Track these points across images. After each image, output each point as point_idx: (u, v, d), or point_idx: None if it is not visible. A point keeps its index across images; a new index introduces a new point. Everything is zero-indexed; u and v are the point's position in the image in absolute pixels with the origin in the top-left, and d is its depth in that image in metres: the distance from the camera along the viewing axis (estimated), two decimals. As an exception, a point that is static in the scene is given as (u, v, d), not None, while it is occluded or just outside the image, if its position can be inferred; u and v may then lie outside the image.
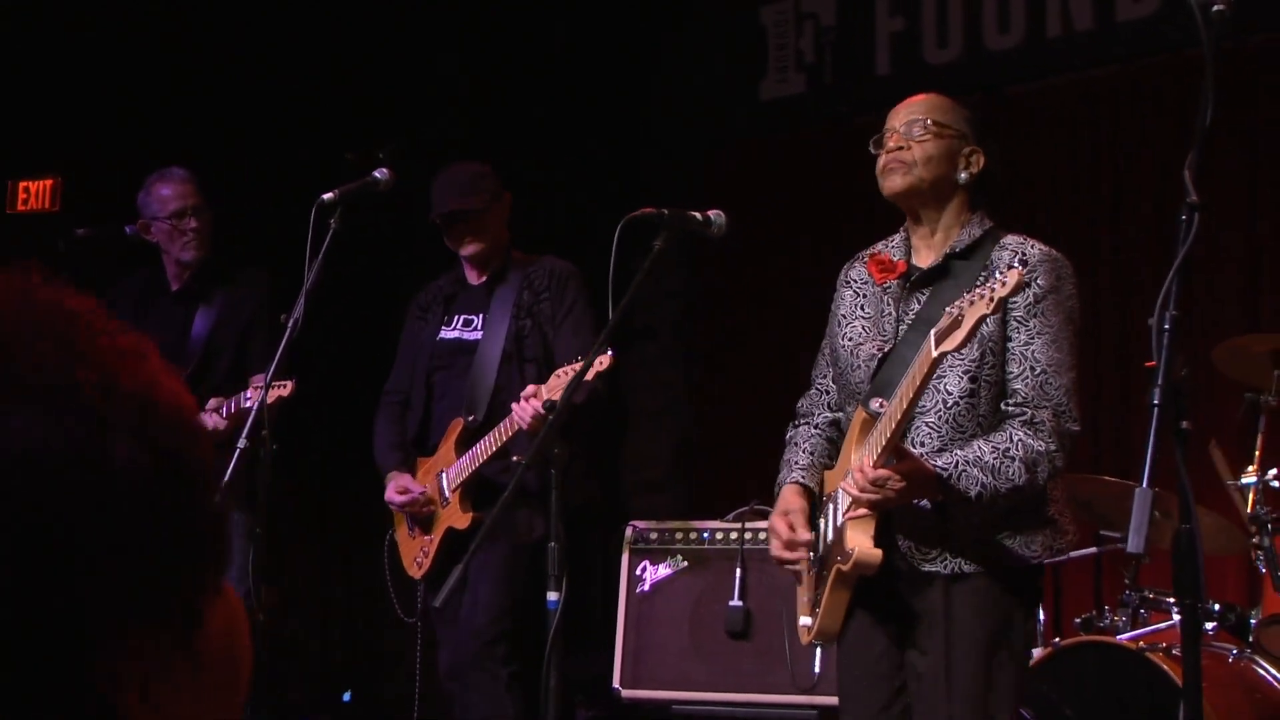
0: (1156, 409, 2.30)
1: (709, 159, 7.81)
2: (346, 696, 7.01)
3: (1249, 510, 4.52)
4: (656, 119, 7.91)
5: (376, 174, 4.14)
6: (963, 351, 2.87)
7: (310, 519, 6.63)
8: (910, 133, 3.11)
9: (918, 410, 2.93)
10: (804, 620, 3.17)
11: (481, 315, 4.61)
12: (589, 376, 3.95)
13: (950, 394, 2.95)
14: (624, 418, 7.81)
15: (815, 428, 3.27)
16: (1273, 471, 4.50)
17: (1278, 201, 6.20)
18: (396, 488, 4.56)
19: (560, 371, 4.10)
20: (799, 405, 3.36)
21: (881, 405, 2.96)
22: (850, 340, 3.18)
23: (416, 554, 4.56)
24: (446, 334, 4.66)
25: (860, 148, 3.26)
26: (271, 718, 4.73)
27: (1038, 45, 6.68)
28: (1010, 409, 2.97)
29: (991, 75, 6.85)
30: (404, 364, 4.78)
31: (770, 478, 7.15)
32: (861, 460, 2.89)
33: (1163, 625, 4.63)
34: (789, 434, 3.34)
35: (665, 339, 7.81)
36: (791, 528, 3.11)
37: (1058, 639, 4.56)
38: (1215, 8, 2.52)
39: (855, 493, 2.89)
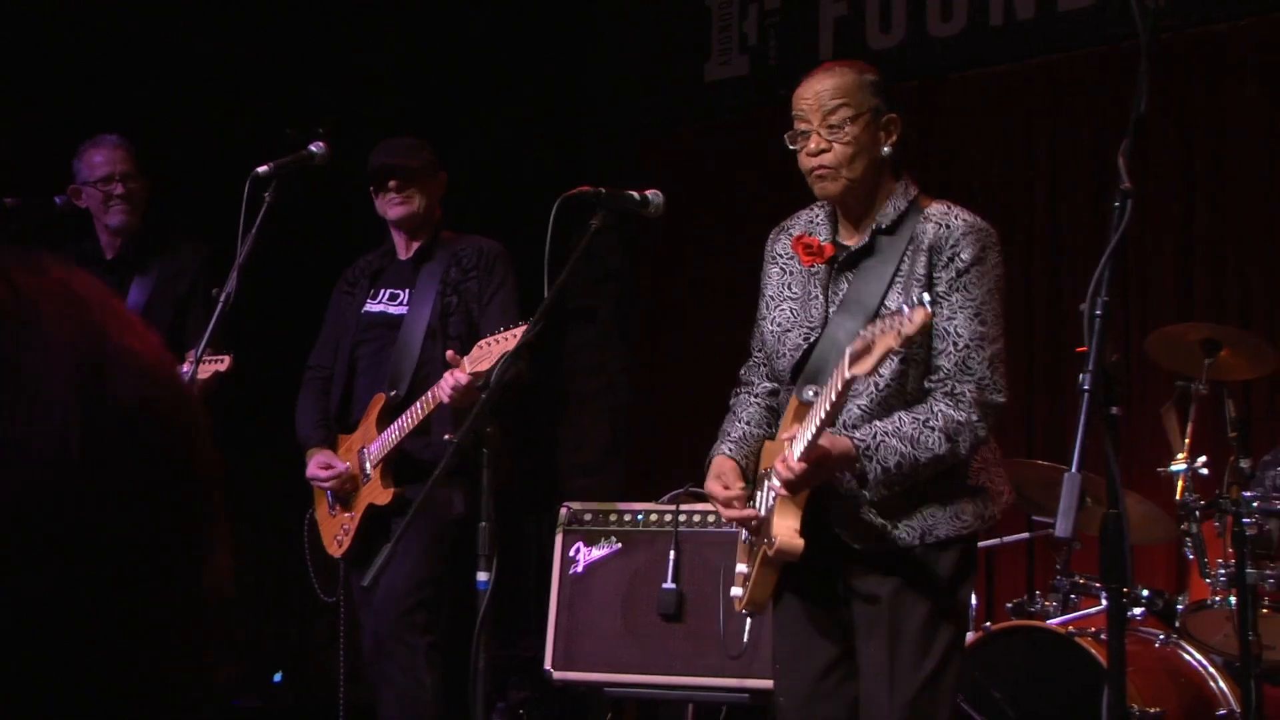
0: (1087, 394, 2.32)
1: (651, 140, 7.80)
2: (277, 677, 6.97)
3: (1178, 497, 4.58)
4: (598, 99, 7.89)
5: (312, 148, 4.11)
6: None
7: (242, 497, 6.58)
8: (828, 129, 3.01)
9: (851, 393, 2.94)
10: (735, 590, 3.18)
11: (408, 290, 4.58)
12: (510, 348, 3.95)
13: (882, 376, 2.95)
14: (560, 399, 7.80)
15: (755, 396, 3.28)
16: (1201, 459, 4.56)
17: (1211, 192, 6.27)
18: (319, 463, 4.52)
19: (482, 343, 4.09)
20: (741, 372, 3.37)
21: (815, 393, 2.96)
22: (778, 325, 3.16)
23: (337, 532, 4.53)
24: (372, 307, 4.63)
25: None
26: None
27: (980, 33, 6.72)
28: (933, 384, 2.97)
29: (933, 62, 6.89)
30: (328, 338, 4.75)
31: (705, 459, 7.19)
32: (786, 454, 2.90)
33: (1092, 610, 4.69)
34: (731, 400, 3.35)
35: (603, 321, 7.80)
36: (726, 486, 3.11)
37: (989, 623, 4.60)
38: (1152, -5, 2.53)
39: (778, 484, 2.91)
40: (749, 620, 3.18)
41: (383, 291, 4.65)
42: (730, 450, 3.21)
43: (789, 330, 3.14)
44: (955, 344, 2.95)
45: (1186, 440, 4.65)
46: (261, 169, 3.96)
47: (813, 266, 3.11)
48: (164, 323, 4.79)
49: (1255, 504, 4.44)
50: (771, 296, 3.21)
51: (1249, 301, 6.14)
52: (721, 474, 3.15)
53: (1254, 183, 6.15)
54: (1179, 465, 4.58)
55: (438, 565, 4.37)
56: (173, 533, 0.79)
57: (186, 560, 0.80)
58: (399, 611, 4.36)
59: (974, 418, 2.93)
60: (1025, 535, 5.11)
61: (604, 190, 3.29)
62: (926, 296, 2.68)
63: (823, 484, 2.95)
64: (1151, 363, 5.11)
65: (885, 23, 6.98)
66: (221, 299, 3.87)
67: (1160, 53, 6.12)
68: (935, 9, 6.83)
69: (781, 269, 3.21)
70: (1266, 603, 4.41)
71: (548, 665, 4.86)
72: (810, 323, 3.10)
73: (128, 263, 4.92)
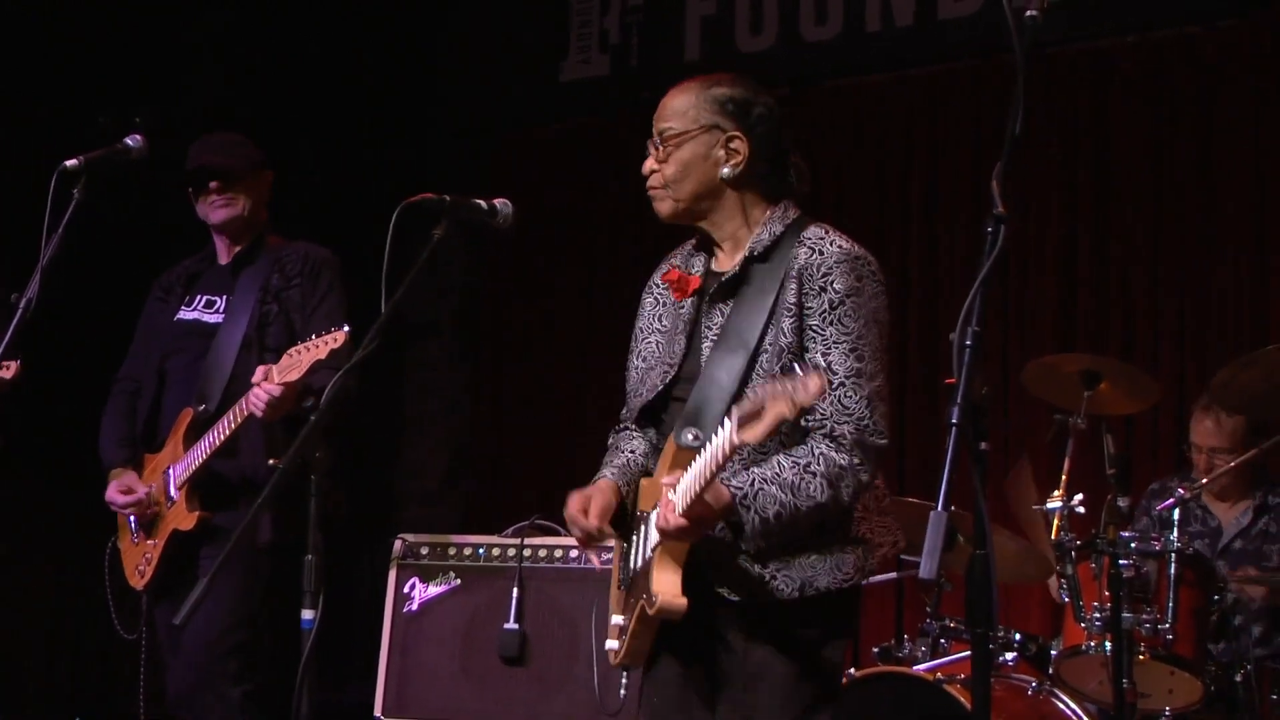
0: (955, 428, 2.37)
1: (503, 142, 7.82)
2: (74, 723, 6.85)
3: (1053, 537, 4.71)
4: (444, 98, 7.89)
5: (128, 141, 4.06)
6: (765, 366, 2.95)
7: (39, 523, 6.46)
8: (660, 147, 3.09)
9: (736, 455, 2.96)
10: (611, 643, 3.19)
11: (225, 297, 4.55)
12: (323, 355, 3.95)
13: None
14: (397, 421, 7.77)
15: (636, 432, 3.27)
16: (1078, 497, 4.69)
17: (1095, 216, 6.46)
18: (119, 487, 4.46)
19: (292, 351, 4.06)
20: (623, 413, 3.38)
21: (695, 438, 2.97)
22: (643, 360, 3.20)
23: (139, 562, 4.46)
24: (185, 315, 4.59)
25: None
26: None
27: (856, 39, 6.86)
28: (810, 424, 2.97)
29: (806, 68, 7.01)
30: (139, 349, 4.69)
31: (556, 490, 7.16)
32: (669, 508, 2.91)
33: (962, 655, 4.79)
34: (610, 439, 3.36)
35: (446, 337, 7.79)
36: (584, 511, 3.09)
37: (853, 669, 4.69)
38: (1028, 13, 2.61)
39: (658, 530, 2.94)
40: (625, 674, 3.19)
41: (199, 298, 4.61)
42: (614, 475, 3.20)
43: (652, 368, 3.16)
44: (830, 382, 2.93)
45: (1063, 476, 4.78)
46: (70, 163, 3.91)
47: (681, 301, 3.15)
48: None
49: (1133, 544, 4.58)
50: (641, 329, 3.24)
51: (1133, 332, 6.34)
52: (593, 493, 3.12)
53: (1139, 207, 6.36)
54: (1054, 503, 4.70)
55: (252, 603, 4.32)
56: None
57: None
58: (210, 657, 4.29)
59: (856, 461, 2.94)
60: (893, 575, 5.22)
61: (449, 198, 3.30)
62: (820, 362, 2.67)
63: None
64: (1029, 395, 5.25)
65: (756, 23, 7.09)
66: (21, 305, 3.81)
67: (1043, 68, 6.31)
68: (809, 11, 6.96)
69: (656, 299, 3.24)
70: (1143, 648, 4.56)
71: (378, 711, 4.84)
72: (671, 359, 3.13)
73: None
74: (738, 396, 2.95)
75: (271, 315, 4.49)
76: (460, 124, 7.81)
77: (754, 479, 2.91)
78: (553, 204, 7.45)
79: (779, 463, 2.93)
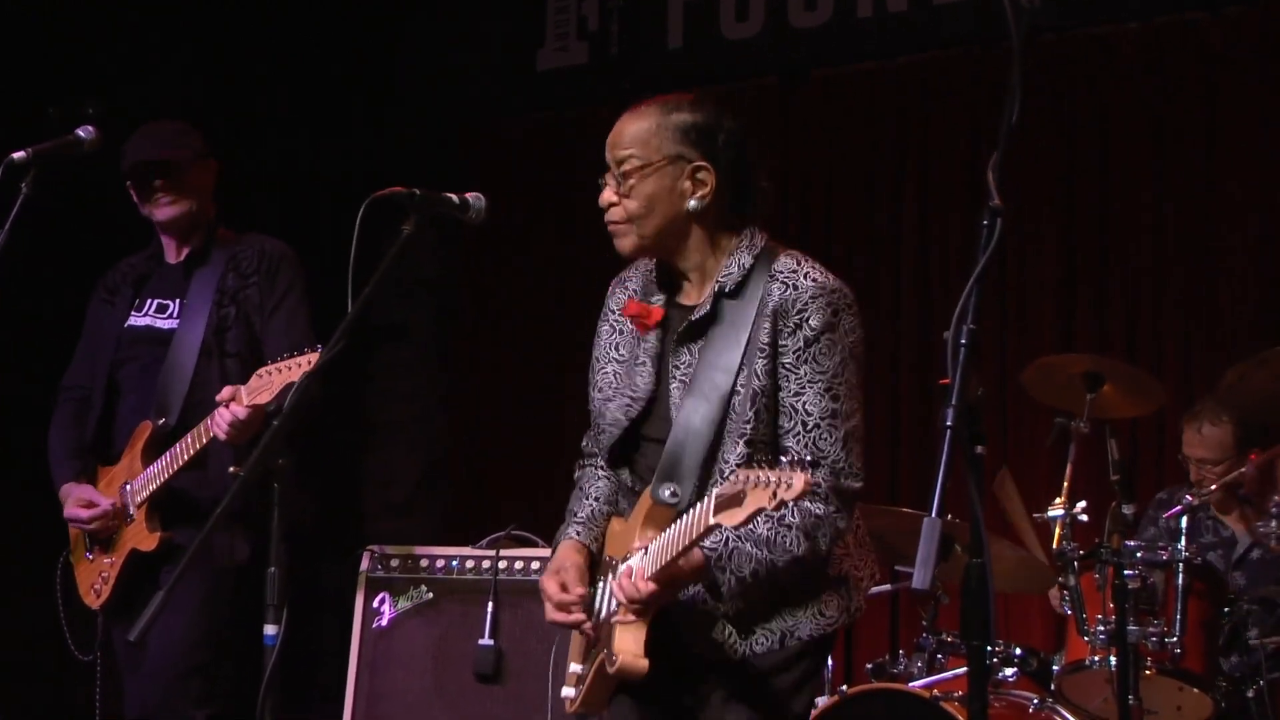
0: (949, 431, 2.37)
1: (477, 133, 7.81)
2: (26, 749, 6.82)
3: (1055, 546, 4.71)
4: (417, 87, 7.88)
5: (80, 132, 4.06)
6: (738, 410, 2.95)
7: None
8: (618, 180, 3.05)
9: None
10: (567, 691, 3.19)
11: (178, 300, 4.52)
12: (296, 379, 3.92)
13: (728, 462, 2.97)
14: (367, 428, 7.75)
15: (601, 470, 3.28)
16: (1081, 504, 4.69)
17: (1096, 210, 6.47)
18: (78, 501, 4.43)
19: (262, 371, 4.05)
20: (584, 443, 3.38)
21: (674, 495, 2.98)
22: (600, 392, 3.19)
23: (94, 580, 4.44)
24: (136, 320, 4.55)
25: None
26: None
27: (847, 26, 6.86)
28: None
29: (795, 56, 7.02)
30: (85, 355, 4.66)
31: (534, 499, 7.17)
32: (636, 575, 2.92)
33: (960, 671, 4.79)
34: (575, 474, 3.37)
35: (418, 339, 7.78)
36: (564, 587, 3.10)
37: (845, 686, 4.68)
38: (1025, -4, 2.62)
39: (624, 600, 2.94)
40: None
41: (149, 302, 4.57)
42: (579, 533, 3.20)
43: (610, 399, 3.15)
44: (804, 423, 2.96)
45: (1065, 483, 4.78)
46: (18, 155, 3.90)
47: (645, 334, 3.14)
48: None
49: (1139, 554, 4.59)
50: (598, 358, 3.24)
51: (1135, 331, 6.35)
52: (562, 569, 3.13)
53: (1141, 199, 6.37)
54: (1056, 511, 4.70)
55: (216, 622, 4.30)
56: None
57: None
58: (171, 678, 4.27)
59: (832, 509, 2.94)
60: (888, 587, 5.21)
61: (418, 192, 3.29)
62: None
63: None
64: (1029, 397, 5.25)
65: (742, 10, 7.10)
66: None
67: (1041, 55, 6.32)
68: (798, -4, 6.97)
69: (612, 326, 3.24)
70: (1149, 663, 4.56)
71: (346, 733, 4.83)
72: (634, 392, 3.12)
73: None
74: (715, 445, 2.98)
75: (230, 319, 4.46)
76: (432, 114, 7.80)
77: (727, 537, 2.90)
78: (529, 197, 7.44)
79: None
